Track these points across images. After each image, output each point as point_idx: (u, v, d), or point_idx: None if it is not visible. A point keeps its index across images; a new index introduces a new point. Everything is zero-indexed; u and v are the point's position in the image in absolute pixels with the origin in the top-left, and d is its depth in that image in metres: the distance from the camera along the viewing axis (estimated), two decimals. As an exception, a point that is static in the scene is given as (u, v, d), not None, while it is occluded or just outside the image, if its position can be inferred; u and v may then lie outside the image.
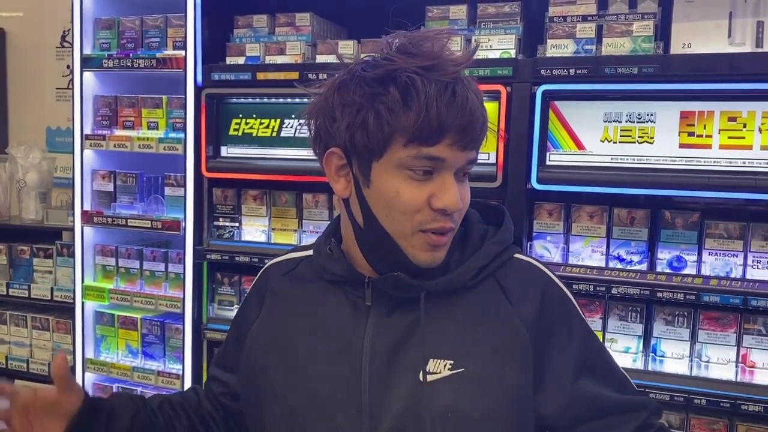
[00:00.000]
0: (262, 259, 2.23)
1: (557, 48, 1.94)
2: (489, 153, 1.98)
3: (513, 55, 1.98)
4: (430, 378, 1.01)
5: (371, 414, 1.02)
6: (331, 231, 1.16)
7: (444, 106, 0.96)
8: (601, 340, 1.20)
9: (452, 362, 1.02)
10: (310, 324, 1.11)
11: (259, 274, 1.26)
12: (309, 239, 2.26)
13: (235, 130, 2.31)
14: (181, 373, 2.45)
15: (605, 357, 1.13)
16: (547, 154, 1.96)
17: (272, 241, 2.31)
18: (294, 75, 2.16)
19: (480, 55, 2.00)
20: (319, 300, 1.12)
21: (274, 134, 2.25)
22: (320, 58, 2.19)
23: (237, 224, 2.35)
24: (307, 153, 2.20)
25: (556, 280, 1.11)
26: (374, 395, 1.03)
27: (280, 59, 2.23)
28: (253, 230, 2.34)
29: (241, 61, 2.28)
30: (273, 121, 2.25)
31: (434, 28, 1.09)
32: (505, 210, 1.15)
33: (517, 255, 1.11)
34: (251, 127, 2.28)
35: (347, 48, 2.14)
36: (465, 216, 1.07)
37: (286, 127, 2.24)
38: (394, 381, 1.03)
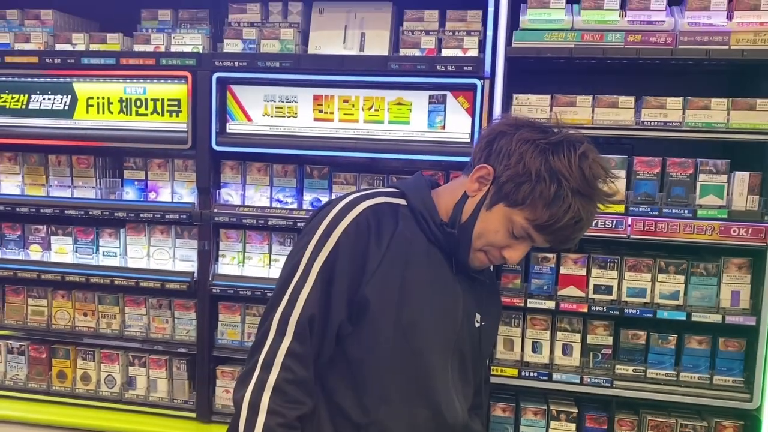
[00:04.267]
0: (14, 208, 2.79)
1: (231, 46, 2.62)
2: (183, 123, 2.64)
3: (201, 51, 2.64)
4: (477, 324, 1.56)
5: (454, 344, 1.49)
6: (431, 201, 1.49)
7: (565, 227, 1.33)
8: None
9: (481, 316, 1.57)
10: (426, 273, 1.43)
11: (355, 216, 1.39)
12: (55, 192, 2.83)
13: (-9, 103, 2.83)
14: (-47, 305, 2.95)
15: None
16: (227, 124, 2.65)
17: (25, 194, 2.86)
18: (34, 59, 2.71)
19: (176, 49, 2.65)
20: (429, 251, 1.46)
21: (24, 107, 2.80)
22: (59, 46, 2.76)
23: (-4, 180, 2.88)
24: (51, 122, 2.77)
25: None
26: (461, 330, 1.50)
27: (26, 46, 2.77)
28: (9, 185, 2.87)
29: (-7, 47, 2.80)
30: (22, 96, 2.79)
31: (606, 169, 1.39)
32: None
33: None
34: (4, 101, 2.81)
35: (78, 40, 2.72)
36: None
37: (33, 101, 2.79)
38: (466, 325, 1.51)
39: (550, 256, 2.44)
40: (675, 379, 2.37)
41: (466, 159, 2.43)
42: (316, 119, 2.59)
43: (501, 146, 1.36)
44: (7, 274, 2.84)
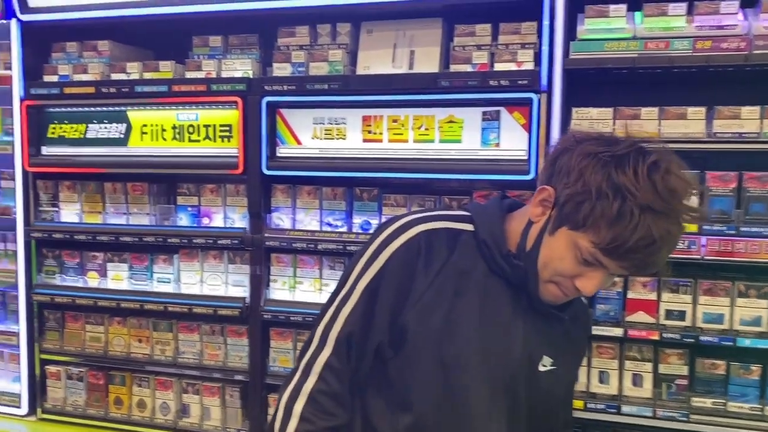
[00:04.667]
0: (72, 235, 2.84)
1: (280, 69, 2.60)
2: (234, 148, 2.63)
3: (250, 75, 2.63)
4: (542, 368, 1.36)
5: (507, 387, 1.33)
6: (500, 230, 1.32)
7: (635, 249, 1.11)
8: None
9: (552, 361, 1.37)
10: (479, 306, 1.29)
11: (408, 238, 1.30)
12: (111, 219, 2.87)
13: (52, 133, 2.90)
14: (17, 330, 3.01)
15: None
16: (277, 148, 2.62)
17: (83, 221, 2.91)
18: (91, 89, 2.77)
19: (226, 74, 2.65)
20: (487, 282, 1.30)
21: (82, 136, 2.85)
22: (114, 76, 2.80)
23: (56, 209, 2.94)
24: (107, 150, 2.82)
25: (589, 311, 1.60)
26: (517, 373, 1.33)
27: (84, 77, 2.83)
28: (69, 213, 2.93)
29: (55, 78, 2.87)
30: (80, 125, 2.85)
31: (686, 181, 1.15)
32: None
33: None
34: (64, 131, 2.88)
35: (133, 69, 2.76)
36: None
37: (90, 130, 2.84)
38: (525, 367, 1.33)
39: (617, 279, 2.28)
40: (760, 413, 2.16)
41: (524, 177, 2.35)
42: (365, 140, 2.53)
43: (562, 164, 1.21)
44: (66, 301, 2.89)
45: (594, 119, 2.25)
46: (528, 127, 2.34)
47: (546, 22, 2.27)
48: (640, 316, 2.26)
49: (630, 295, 2.28)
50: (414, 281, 1.29)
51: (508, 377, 1.33)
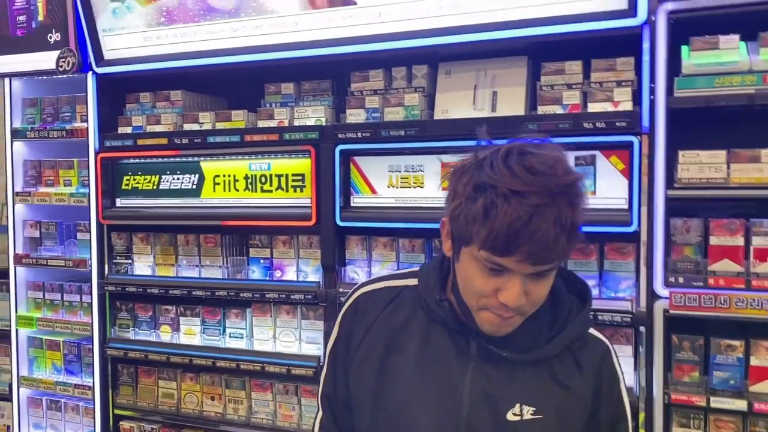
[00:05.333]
0: (146, 288, 2.78)
1: (354, 116, 2.48)
2: (307, 198, 2.51)
3: (324, 122, 2.52)
4: (514, 418, 1.20)
5: None
6: (438, 275, 1.27)
7: (514, 233, 1.03)
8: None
9: (534, 409, 1.20)
10: (416, 357, 1.24)
11: (351, 301, 1.36)
12: (184, 271, 2.80)
13: (126, 184, 2.87)
14: (92, 384, 2.98)
15: None
16: (351, 198, 2.49)
17: (156, 274, 2.85)
18: (164, 141, 2.72)
19: (299, 122, 2.55)
20: (425, 334, 1.25)
21: (155, 187, 2.81)
22: (187, 126, 2.76)
23: (130, 261, 2.90)
24: (180, 201, 2.76)
25: (616, 361, 1.29)
26: (467, 422, 1.20)
27: (157, 128, 2.80)
28: (142, 265, 2.88)
29: (129, 130, 2.85)
30: (153, 176, 2.82)
31: (546, 155, 1.08)
32: (588, 286, 1.28)
33: (591, 330, 1.28)
34: (137, 182, 2.85)
35: (205, 119, 2.71)
36: (552, 285, 1.16)
37: (164, 181, 2.80)
38: (486, 419, 1.20)
39: (737, 343, 2.01)
40: None
41: (625, 229, 2.12)
42: (444, 189, 2.34)
43: (448, 193, 1.20)
44: (139, 356, 2.83)
45: (704, 163, 2.01)
46: (628, 173, 2.11)
47: (646, 57, 2.05)
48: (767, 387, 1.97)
49: (754, 361, 2.00)
50: (352, 341, 1.33)
51: (463, 427, 1.22)
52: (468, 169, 1.13)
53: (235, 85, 2.91)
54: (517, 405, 1.20)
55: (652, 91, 2.06)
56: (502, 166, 1.07)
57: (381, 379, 1.26)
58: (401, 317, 1.29)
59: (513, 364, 1.22)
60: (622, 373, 1.30)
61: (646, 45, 2.05)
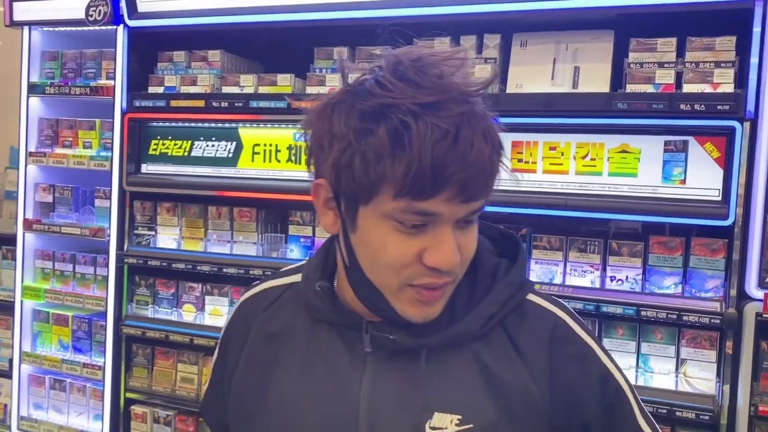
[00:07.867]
0: (170, 263, 2.56)
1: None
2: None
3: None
4: (432, 430, 0.89)
5: None
6: (321, 262, 0.99)
7: (441, 156, 0.78)
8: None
9: (460, 417, 0.89)
10: (300, 367, 0.97)
11: (234, 311, 1.10)
12: (213, 247, 2.58)
13: (153, 149, 2.64)
14: (103, 364, 2.75)
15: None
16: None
17: (182, 248, 2.63)
18: (200, 103, 2.50)
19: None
20: (310, 338, 0.97)
21: (186, 154, 2.59)
22: (225, 89, 2.53)
23: (153, 233, 2.67)
24: (213, 170, 2.54)
25: (576, 327, 0.95)
26: None
27: (192, 89, 2.57)
28: (166, 238, 2.66)
29: (160, 90, 2.62)
30: (185, 142, 2.59)
31: (445, 49, 0.87)
32: (518, 239, 0.99)
33: (530, 296, 0.96)
34: (167, 148, 2.62)
35: (247, 81, 2.49)
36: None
37: (196, 148, 2.57)
38: (402, 426, 0.90)
39: None
40: None
41: (719, 223, 1.93)
42: (513, 170, 2.15)
43: (313, 146, 0.88)
44: (158, 336, 2.60)
45: (813, 155, 1.83)
46: (724, 162, 1.93)
47: (756, 37, 1.87)
48: None
49: None
50: (226, 366, 1.06)
51: None
52: (339, 103, 0.84)
53: (277, 48, 2.68)
54: (436, 415, 0.89)
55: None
56: (395, 80, 0.81)
57: (262, 405, 0.98)
58: (281, 323, 1.01)
59: (429, 358, 0.90)
60: (596, 342, 0.95)
61: (758, 21, 1.86)
